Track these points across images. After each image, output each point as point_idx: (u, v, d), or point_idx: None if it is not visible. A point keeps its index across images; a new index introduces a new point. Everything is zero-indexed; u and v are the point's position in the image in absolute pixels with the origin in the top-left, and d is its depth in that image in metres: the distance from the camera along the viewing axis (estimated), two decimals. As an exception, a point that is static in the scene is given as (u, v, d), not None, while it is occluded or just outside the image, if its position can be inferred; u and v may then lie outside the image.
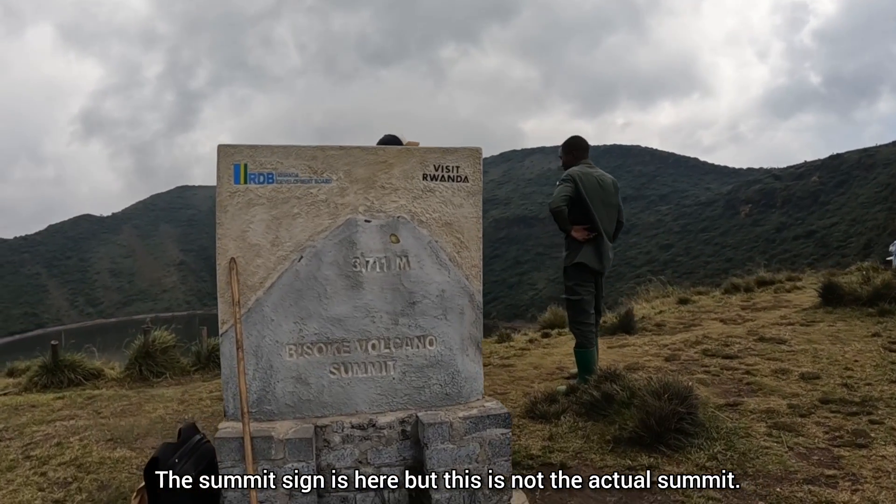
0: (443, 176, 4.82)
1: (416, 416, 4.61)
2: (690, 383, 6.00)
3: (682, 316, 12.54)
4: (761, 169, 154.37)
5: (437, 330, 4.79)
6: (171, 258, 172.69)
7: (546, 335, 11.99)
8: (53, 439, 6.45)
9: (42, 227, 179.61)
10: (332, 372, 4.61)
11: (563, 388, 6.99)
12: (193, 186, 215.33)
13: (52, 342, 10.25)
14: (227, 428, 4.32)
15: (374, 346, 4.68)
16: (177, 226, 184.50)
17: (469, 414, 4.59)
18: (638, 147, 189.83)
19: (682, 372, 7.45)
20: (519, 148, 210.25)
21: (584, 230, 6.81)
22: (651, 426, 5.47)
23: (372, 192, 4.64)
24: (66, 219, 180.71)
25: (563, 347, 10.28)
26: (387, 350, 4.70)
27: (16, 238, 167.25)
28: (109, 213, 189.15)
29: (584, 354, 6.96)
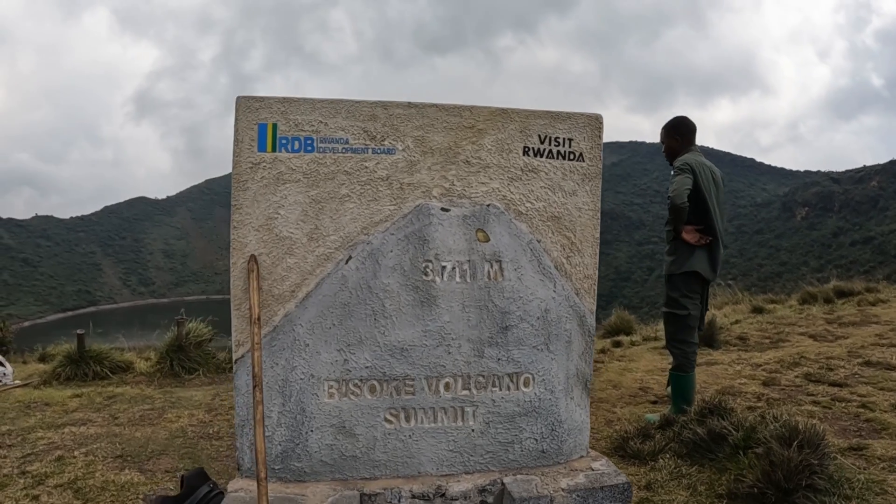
0: (550, 151, 3.67)
1: (502, 483, 3.45)
2: (822, 427, 4.84)
3: (764, 328, 11.45)
4: (819, 171, 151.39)
5: (537, 365, 3.66)
6: (224, 242, 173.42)
7: (617, 344, 11.08)
8: (56, 451, 5.64)
9: (98, 207, 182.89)
10: (387, 420, 3.50)
11: (654, 417, 5.97)
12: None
13: (78, 331, 9.47)
14: (239, 492, 3.19)
15: (447, 387, 3.55)
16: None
17: (575, 483, 3.45)
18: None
19: (786, 401, 6.48)
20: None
21: (697, 232, 5.83)
22: (777, 481, 4.29)
23: (452, 170, 3.47)
24: (121, 200, 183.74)
25: (641, 362, 9.30)
26: (466, 392, 3.57)
27: (72, 218, 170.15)
28: (164, 196, 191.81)
29: (684, 380, 6.00)
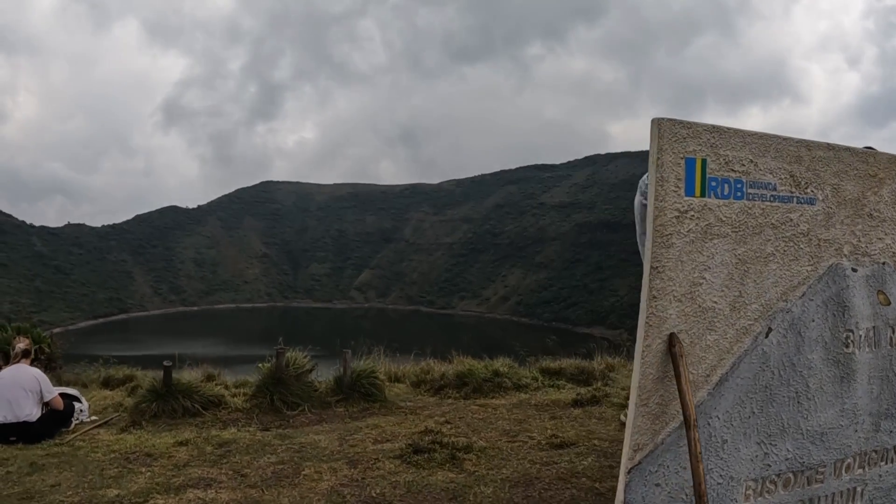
0: None
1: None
2: None
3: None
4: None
5: (911, 434, 3.29)
6: (254, 250, 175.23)
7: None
8: (195, 528, 4.69)
9: (129, 216, 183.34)
10: (792, 513, 3.04)
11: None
12: (277, 181, 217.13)
13: (165, 363, 8.65)
14: None
15: (848, 468, 3.01)
16: (261, 219, 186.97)
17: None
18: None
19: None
20: (604, 152, 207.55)
21: None
22: None
23: (859, 224, 2.81)
24: (152, 209, 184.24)
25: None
26: (860, 471, 3.07)
27: (104, 226, 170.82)
28: (195, 206, 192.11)
29: None
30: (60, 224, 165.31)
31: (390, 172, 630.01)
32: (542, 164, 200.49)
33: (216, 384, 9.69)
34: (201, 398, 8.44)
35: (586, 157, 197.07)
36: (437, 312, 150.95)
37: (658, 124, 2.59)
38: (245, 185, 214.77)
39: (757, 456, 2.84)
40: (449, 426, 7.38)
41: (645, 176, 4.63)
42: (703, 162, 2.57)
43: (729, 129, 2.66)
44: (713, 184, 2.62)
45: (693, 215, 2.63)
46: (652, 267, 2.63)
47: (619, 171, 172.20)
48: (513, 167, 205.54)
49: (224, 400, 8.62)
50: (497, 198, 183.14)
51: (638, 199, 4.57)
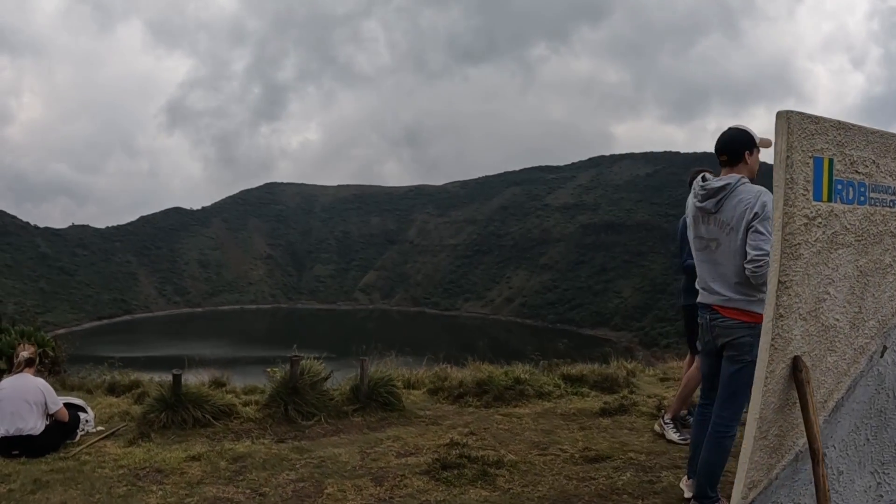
0: None
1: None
2: None
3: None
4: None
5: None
6: (258, 252, 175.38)
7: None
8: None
9: (134, 217, 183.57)
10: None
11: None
12: (282, 183, 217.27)
13: (174, 371, 8.22)
14: None
15: None
16: (265, 221, 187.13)
17: None
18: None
19: None
20: (608, 153, 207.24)
21: None
22: None
23: None
24: (157, 210, 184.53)
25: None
26: None
27: (108, 227, 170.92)
28: (199, 207, 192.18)
29: None
30: (65, 225, 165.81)
31: (395, 174, 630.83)
32: (547, 166, 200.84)
33: (226, 391, 9.32)
34: (212, 408, 8.02)
35: (590, 159, 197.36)
36: (442, 314, 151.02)
37: (787, 118, 2.29)
38: (249, 187, 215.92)
39: (870, 486, 2.57)
40: (474, 438, 7.04)
41: (700, 177, 4.33)
42: (831, 162, 2.30)
43: (853, 125, 2.35)
44: (839, 187, 2.35)
45: (821, 222, 2.35)
46: (779, 281, 2.31)
47: (624, 173, 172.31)
48: (517, 168, 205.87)
49: (236, 409, 8.22)
50: (501, 199, 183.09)
51: (691, 199, 4.25)
